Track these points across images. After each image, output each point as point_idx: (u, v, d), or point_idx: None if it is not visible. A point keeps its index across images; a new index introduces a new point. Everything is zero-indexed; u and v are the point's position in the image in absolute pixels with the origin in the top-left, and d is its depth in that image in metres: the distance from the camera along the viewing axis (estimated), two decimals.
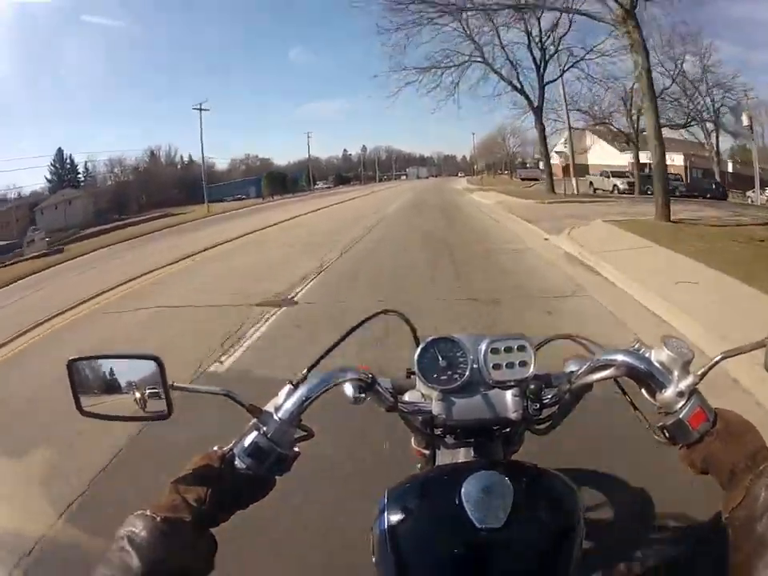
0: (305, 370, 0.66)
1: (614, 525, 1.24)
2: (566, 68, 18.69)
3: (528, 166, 50.64)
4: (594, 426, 1.96)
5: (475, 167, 74.05)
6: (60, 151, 36.82)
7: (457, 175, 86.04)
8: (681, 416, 0.61)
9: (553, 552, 0.60)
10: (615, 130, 20.98)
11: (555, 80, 18.88)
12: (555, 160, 41.10)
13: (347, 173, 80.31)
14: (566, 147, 28.83)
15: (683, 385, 0.62)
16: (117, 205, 33.64)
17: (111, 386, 0.64)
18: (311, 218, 16.14)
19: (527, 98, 19.18)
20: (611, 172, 21.48)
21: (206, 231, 15.23)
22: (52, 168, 35.54)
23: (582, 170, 33.15)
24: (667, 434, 0.62)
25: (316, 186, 60.75)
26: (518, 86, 19.37)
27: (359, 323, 0.77)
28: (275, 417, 0.63)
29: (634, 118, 19.51)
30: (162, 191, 39.07)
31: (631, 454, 1.15)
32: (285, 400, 0.64)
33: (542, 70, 18.78)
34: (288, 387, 0.65)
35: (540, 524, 0.61)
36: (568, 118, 19.16)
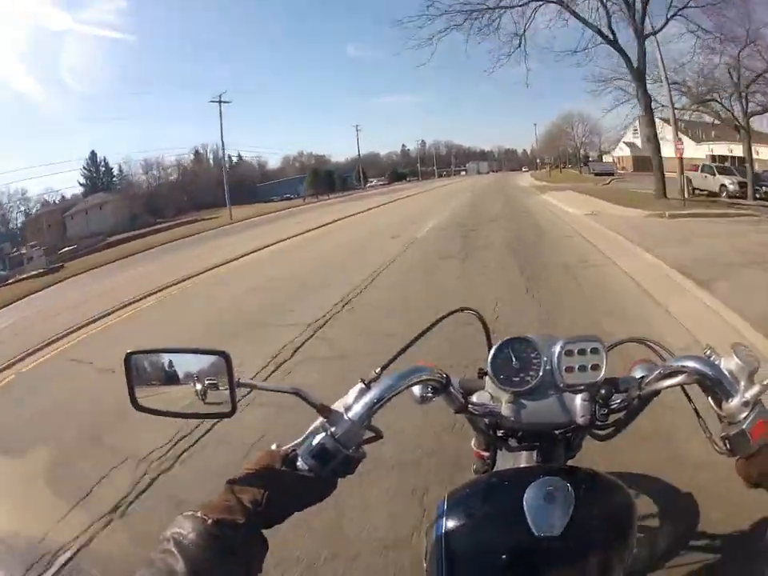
0: (378, 369, 0.66)
1: (659, 530, 1.27)
2: (670, 15, 13.90)
3: (591, 159, 48.63)
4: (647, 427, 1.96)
5: (538, 161, 67.96)
6: (93, 154, 34.87)
7: (520, 170, 79.43)
8: (744, 426, 0.59)
9: (606, 562, 0.60)
10: (716, 112, 16.10)
11: (658, 30, 13.98)
12: (623, 152, 38.13)
13: (405, 168, 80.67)
14: (636, 137, 25.61)
15: (749, 394, 0.61)
16: (153, 208, 32.39)
17: (171, 380, 0.63)
18: (340, 229, 13.64)
19: (623, 54, 14.26)
20: (716, 167, 17.31)
21: (189, 252, 13.74)
22: (85, 171, 34.13)
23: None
24: (728, 445, 0.61)
25: (370, 184, 57.91)
26: (610, 36, 14.15)
27: (435, 322, 0.77)
28: (345, 417, 0.61)
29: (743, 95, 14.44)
30: (207, 192, 37.71)
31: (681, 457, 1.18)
32: (355, 400, 0.62)
33: (638, 11, 13.57)
34: (359, 386, 0.64)
35: (597, 533, 0.61)
36: (670, 91, 14.77)
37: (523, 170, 78.18)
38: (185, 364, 0.63)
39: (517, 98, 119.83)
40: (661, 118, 15.62)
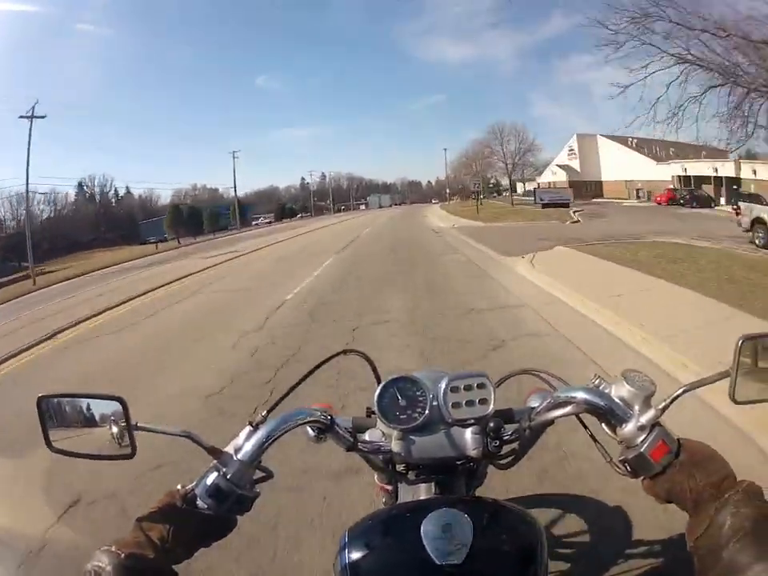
0: (264, 412, 0.69)
1: (589, 548, 1.45)
2: None
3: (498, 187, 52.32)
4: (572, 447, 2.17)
5: (447, 191, 62.41)
6: None
7: (430, 202, 78.14)
8: (642, 450, 0.63)
9: None
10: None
11: None
12: (555, 176, 41.50)
13: (303, 203, 78.85)
14: (572, 158, 36.65)
15: (644, 419, 0.64)
16: (20, 251, 29.05)
17: (80, 423, 0.69)
18: (138, 318, 7.85)
19: None
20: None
21: None
22: None
23: (594, 187, 38.29)
24: (629, 468, 0.65)
25: (255, 222, 54.89)
26: None
27: (319, 364, 0.80)
28: (235, 458, 0.65)
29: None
30: (87, 231, 35.67)
31: (610, 478, 0.97)
32: (244, 441, 0.67)
33: None
34: (248, 429, 0.68)
35: (500, 559, 0.65)
36: None
37: (432, 201, 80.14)
38: (94, 410, 0.68)
39: (422, 129, 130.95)
40: (605, 135, 19.58)
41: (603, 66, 12.83)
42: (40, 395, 0.67)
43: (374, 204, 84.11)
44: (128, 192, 49.27)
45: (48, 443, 0.67)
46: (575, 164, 41.68)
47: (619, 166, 35.44)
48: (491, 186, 54.04)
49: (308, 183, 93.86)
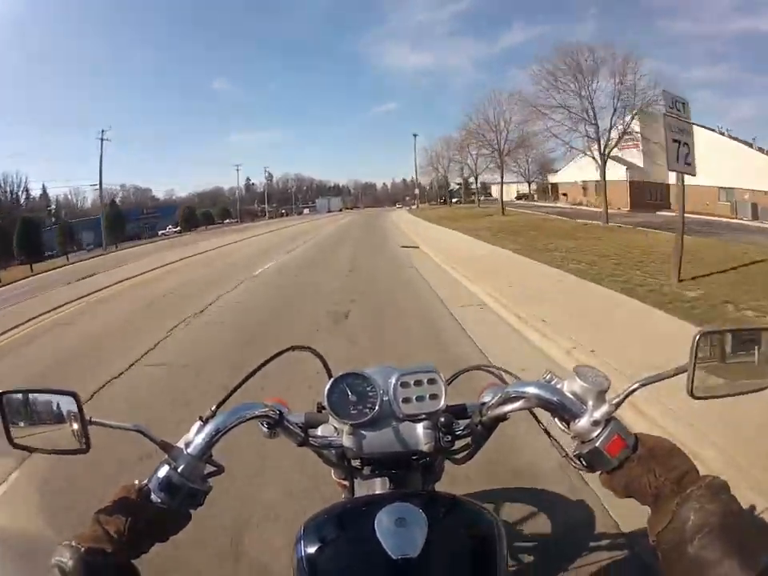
0: (213, 407, 0.80)
1: (552, 541, 1.66)
2: None
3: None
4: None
5: (416, 192, 63.62)
6: None
7: (394, 205, 79.16)
8: (597, 444, 0.70)
9: None
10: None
11: None
12: (581, 174, 35.36)
13: (244, 205, 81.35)
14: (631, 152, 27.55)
15: (598, 414, 0.72)
16: None
17: (39, 419, 0.78)
18: None
19: None
20: None
21: None
22: None
23: (658, 194, 31.19)
24: (584, 462, 0.73)
25: (163, 232, 54.18)
26: None
27: (267, 360, 0.92)
28: (185, 452, 0.74)
29: None
30: None
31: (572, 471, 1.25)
32: (195, 436, 0.76)
33: None
34: (198, 423, 0.78)
35: (456, 553, 0.74)
36: None
37: (397, 206, 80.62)
38: (49, 402, 0.76)
39: (378, 133, 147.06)
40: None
41: None
42: (0, 391, 0.76)
43: (323, 208, 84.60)
44: (44, 192, 46.85)
45: (9, 439, 0.75)
46: (635, 157, 30.09)
47: (712, 163, 18.96)
48: (470, 186, 54.37)
49: (252, 184, 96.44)
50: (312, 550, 0.74)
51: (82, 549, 0.64)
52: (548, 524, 1.79)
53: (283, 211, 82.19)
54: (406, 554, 0.68)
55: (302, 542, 0.75)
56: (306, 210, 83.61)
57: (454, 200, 55.96)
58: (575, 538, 1.79)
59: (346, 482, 1.01)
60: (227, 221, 66.40)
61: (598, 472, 0.72)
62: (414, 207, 55.87)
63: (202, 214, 61.94)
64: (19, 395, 0.77)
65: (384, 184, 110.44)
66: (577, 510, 1.97)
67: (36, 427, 0.78)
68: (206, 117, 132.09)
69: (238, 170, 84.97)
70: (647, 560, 0.77)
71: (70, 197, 61.28)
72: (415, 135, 55.26)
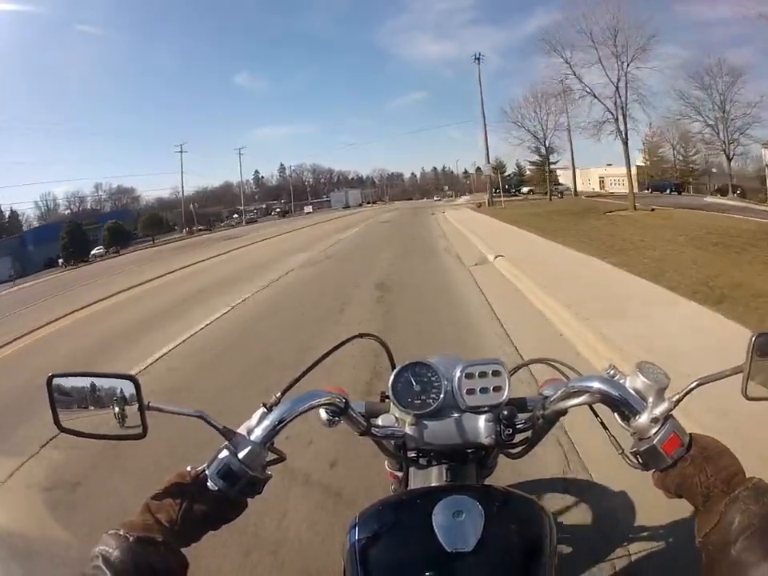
0: (278, 393, 0.93)
1: (592, 532, 2.03)
2: None
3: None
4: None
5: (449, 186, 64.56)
6: None
7: (427, 198, 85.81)
8: (654, 442, 0.82)
9: (524, 574, 0.85)
10: None
11: None
12: None
13: (259, 202, 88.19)
14: None
15: (657, 411, 0.84)
16: None
17: (91, 403, 0.88)
18: None
19: None
20: None
21: None
22: None
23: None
24: (640, 460, 0.85)
25: (98, 249, 52.46)
26: None
27: (333, 348, 1.08)
28: (247, 439, 0.86)
29: None
30: None
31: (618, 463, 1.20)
32: (258, 423, 0.88)
33: None
34: (261, 410, 0.90)
35: (510, 548, 0.86)
36: None
37: (435, 199, 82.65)
38: (105, 388, 0.87)
39: (404, 121, 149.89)
40: None
41: None
42: (50, 374, 0.86)
43: (339, 202, 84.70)
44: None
45: (57, 422, 0.86)
46: None
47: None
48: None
49: (262, 177, 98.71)
50: (366, 538, 0.87)
51: (131, 538, 0.72)
52: (588, 515, 2.16)
53: (278, 210, 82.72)
54: (460, 548, 0.80)
55: (356, 529, 0.88)
56: (308, 209, 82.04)
57: (504, 192, 56.20)
58: (614, 529, 2.13)
59: (399, 473, 1.21)
60: (200, 227, 65.20)
61: (652, 471, 0.85)
62: (458, 201, 57.25)
63: (157, 220, 59.89)
64: (69, 378, 0.88)
65: (413, 174, 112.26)
66: (617, 500, 2.27)
67: (86, 411, 0.88)
68: (225, 111, 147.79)
69: (240, 154, 78.41)
70: (685, 557, 0.89)
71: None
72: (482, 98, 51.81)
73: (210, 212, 74.12)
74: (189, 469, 0.84)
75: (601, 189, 55.46)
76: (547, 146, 40.08)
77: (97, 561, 0.71)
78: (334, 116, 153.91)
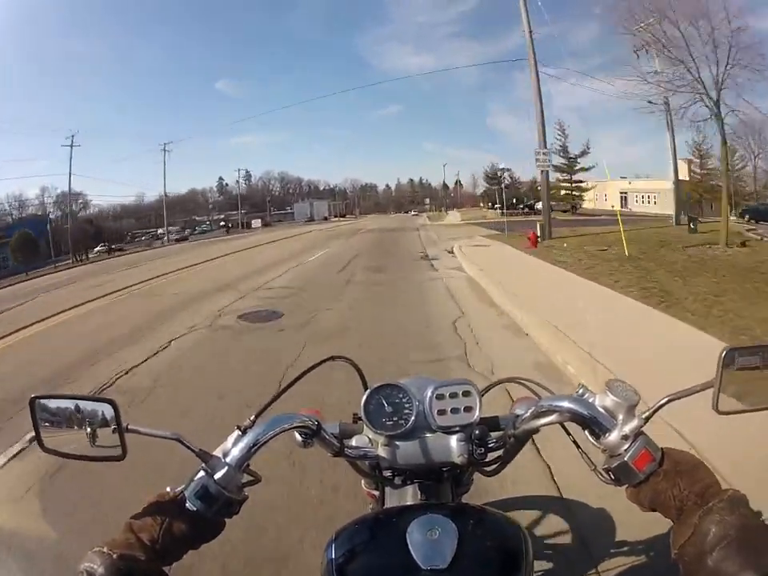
0: (252, 416, 1.02)
1: (571, 549, 2.29)
2: None
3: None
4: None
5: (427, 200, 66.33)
6: None
7: (404, 212, 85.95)
8: (626, 458, 0.92)
9: None
10: None
11: None
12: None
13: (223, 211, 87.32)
14: None
15: (627, 428, 0.94)
16: None
17: (72, 424, 0.98)
18: None
19: None
20: None
21: None
22: None
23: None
24: (612, 476, 0.95)
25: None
26: None
27: (306, 370, 1.19)
28: (223, 462, 0.96)
29: None
30: None
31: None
32: (233, 446, 0.98)
33: None
34: (236, 433, 1.00)
35: (485, 565, 0.95)
36: None
37: (411, 213, 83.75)
38: (85, 408, 0.98)
39: (380, 133, 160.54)
40: None
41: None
42: (32, 396, 0.97)
43: (302, 215, 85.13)
44: None
45: (40, 443, 0.96)
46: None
47: None
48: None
49: (226, 185, 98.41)
50: (342, 557, 0.96)
51: (114, 555, 0.81)
52: (566, 530, 2.41)
53: (222, 224, 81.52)
54: (435, 565, 0.89)
55: (333, 548, 0.98)
56: (256, 223, 79.45)
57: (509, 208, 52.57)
58: (593, 545, 2.39)
59: (375, 492, 1.36)
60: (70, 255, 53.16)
61: (624, 486, 0.95)
62: (448, 219, 53.75)
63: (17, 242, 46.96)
64: (50, 401, 0.99)
65: (387, 186, 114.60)
66: (595, 517, 2.56)
67: (68, 432, 0.98)
68: (201, 118, 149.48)
69: (164, 150, 65.96)
70: (662, 569, 0.97)
71: None
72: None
73: (125, 227, 74.12)
74: (168, 490, 0.94)
75: (622, 206, 47.57)
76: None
77: None
78: (307, 126, 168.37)
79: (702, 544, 0.79)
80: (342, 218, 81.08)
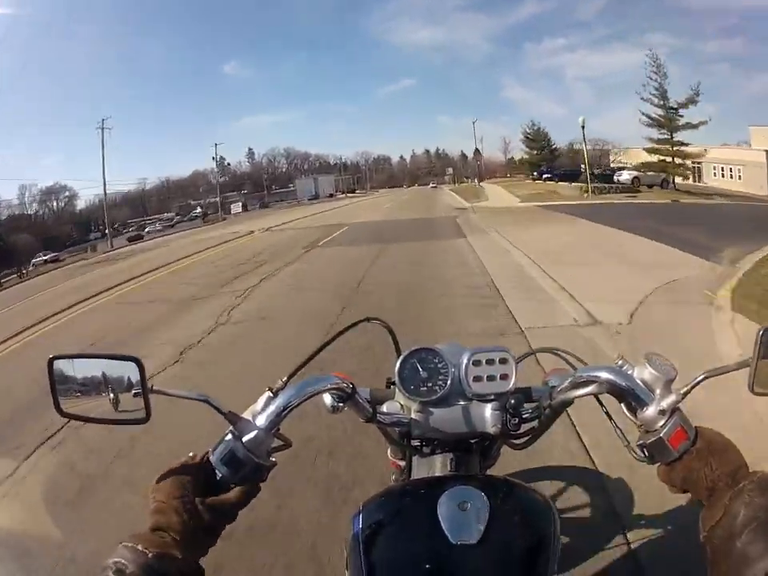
0: (284, 378, 1.03)
1: (591, 521, 2.36)
2: None
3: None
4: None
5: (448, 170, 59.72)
6: None
7: (420, 184, 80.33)
8: (661, 435, 0.92)
9: (528, 568, 0.93)
10: None
11: None
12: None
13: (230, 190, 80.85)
14: None
15: (665, 403, 0.93)
16: None
17: (92, 386, 0.97)
18: None
19: None
20: None
21: None
22: None
23: None
24: (646, 453, 0.96)
25: None
26: None
27: (339, 332, 1.21)
28: (253, 425, 0.95)
29: None
30: None
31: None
32: (263, 408, 0.97)
33: None
34: (267, 395, 0.99)
35: (515, 540, 0.95)
36: None
37: (431, 186, 75.81)
38: (106, 371, 0.96)
39: (392, 108, 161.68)
40: None
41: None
42: (51, 356, 0.94)
43: (305, 192, 79.19)
44: None
45: (57, 407, 0.95)
46: None
47: None
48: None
49: (228, 164, 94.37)
50: (369, 528, 0.96)
51: (149, 554, 0.79)
52: (588, 504, 2.45)
53: (198, 212, 73.36)
54: (465, 540, 0.89)
55: (360, 519, 0.98)
56: (236, 208, 70.90)
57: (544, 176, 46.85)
58: (614, 519, 2.43)
59: (401, 462, 1.39)
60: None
61: (657, 464, 0.96)
62: (476, 187, 48.25)
63: None
64: (69, 361, 0.98)
65: (401, 157, 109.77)
66: (615, 488, 2.64)
67: (88, 395, 0.97)
68: (211, 100, 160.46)
69: (103, 128, 56.87)
70: (687, 549, 0.97)
71: None
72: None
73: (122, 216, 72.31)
74: (191, 455, 0.94)
75: (696, 181, 40.18)
76: None
77: (109, 572, 0.77)
78: (318, 103, 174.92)
79: (732, 526, 0.81)
80: (347, 194, 76.66)
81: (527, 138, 60.55)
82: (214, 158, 76.98)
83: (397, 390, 1.13)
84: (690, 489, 0.89)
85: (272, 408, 0.94)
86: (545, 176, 48.44)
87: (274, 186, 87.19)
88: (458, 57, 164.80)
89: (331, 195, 76.09)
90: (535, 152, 58.71)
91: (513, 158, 77.67)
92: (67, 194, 69.76)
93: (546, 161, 56.36)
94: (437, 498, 0.92)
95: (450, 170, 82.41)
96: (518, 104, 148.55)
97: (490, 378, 1.06)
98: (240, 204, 71.62)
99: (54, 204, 71.35)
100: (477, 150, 63.62)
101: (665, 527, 2.11)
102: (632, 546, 2.10)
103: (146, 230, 63.16)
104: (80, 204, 72.76)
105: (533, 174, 54.80)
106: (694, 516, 0.87)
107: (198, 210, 71.90)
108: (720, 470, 0.85)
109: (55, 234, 58.05)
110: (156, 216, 71.50)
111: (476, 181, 61.38)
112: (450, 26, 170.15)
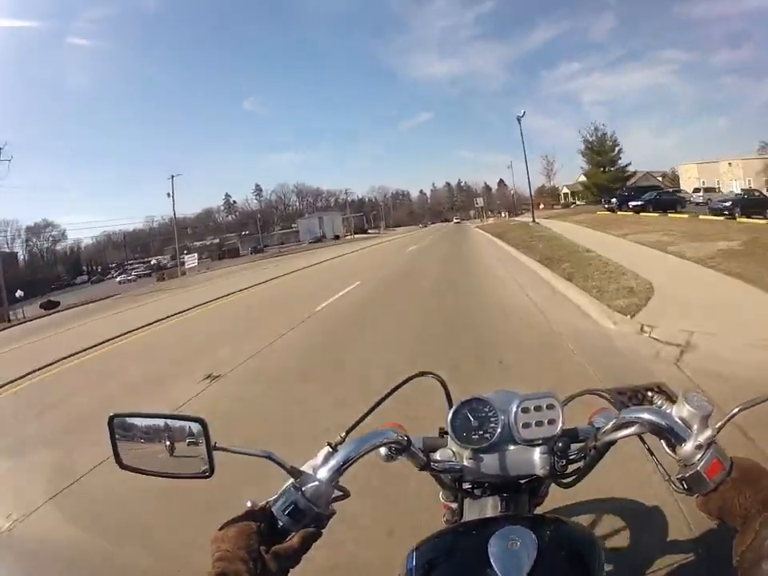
0: (343, 433, 1.15)
1: (629, 552, 2.25)
2: None
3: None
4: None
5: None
6: None
7: (454, 219, 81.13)
8: (698, 468, 1.01)
9: None
10: None
11: None
12: None
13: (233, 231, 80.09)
14: None
15: (701, 438, 1.02)
16: None
17: (153, 442, 1.05)
18: None
19: None
20: None
21: None
22: None
23: None
24: (685, 485, 1.05)
25: None
26: None
27: (396, 386, 1.27)
28: (314, 477, 1.05)
29: None
30: None
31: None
32: (323, 462, 1.08)
33: None
34: (327, 449, 1.11)
35: (561, 575, 1.05)
36: None
37: (454, 221, 76.06)
38: (165, 427, 1.05)
39: (410, 146, 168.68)
40: None
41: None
42: (111, 414, 1.04)
43: (309, 232, 73.30)
44: None
45: (118, 460, 1.06)
46: None
47: None
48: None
49: (234, 202, 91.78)
50: (423, 568, 1.05)
51: None
52: (626, 533, 2.37)
53: (153, 262, 69.40)
54: None
55: (414, 558, 1.07)
56: (191, 261, 60.20)
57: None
58: (653, 549, 2.34)
59: (453, 504, 1.44)
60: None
61: (695, 495, 1.05)
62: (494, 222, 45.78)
63: None
64: (130, 418, 1.07)
65: (421, 192, 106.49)
66: (656, 520, 2.64)
67: (148, 450, 1.04)
68: (227, 138, 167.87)
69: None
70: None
71: None
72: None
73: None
74: (249, 504, 1.02)
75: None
76: None
77: None
78: (334, 140, 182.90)
79: (761, 548, 0.87)
80: (354, 236, 72.93)
81: (590, 149, 48.23)
82: (168, 195, 65.74)
83: (449, 438, 1.24)
84: (725, 517, 0.98)
85: (332, 463, 1.04)
86: (632, 204, 35.23)
87: (272, 227, 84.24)
88: (474, 88, 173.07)
89: (337, 237, 72.33)
90: (601, 169, 46.76)
91: (554, 185, 73.54)
92: (53, 231, 72.28)
93: (618, 180, 44.84)
94: (488, 538, 1.01)
95: (480, 201, 73.00)
96: (536, 133, 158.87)
97: (539, 424, 1.17)
98: (195, 256, 61.04)
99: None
100: (526, 160, 50.68)
101: (701, 554, 2.16)
102: (669, 571, 2.15)
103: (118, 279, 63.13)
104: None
105: (607, 202, 42.22)
106: (730, 543, 0.94)
107: (154, 260, 62.76)
108: (753, 498, 0.93)
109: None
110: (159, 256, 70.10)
111: (530, 213, 46.47)
112: (464, 57, 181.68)
